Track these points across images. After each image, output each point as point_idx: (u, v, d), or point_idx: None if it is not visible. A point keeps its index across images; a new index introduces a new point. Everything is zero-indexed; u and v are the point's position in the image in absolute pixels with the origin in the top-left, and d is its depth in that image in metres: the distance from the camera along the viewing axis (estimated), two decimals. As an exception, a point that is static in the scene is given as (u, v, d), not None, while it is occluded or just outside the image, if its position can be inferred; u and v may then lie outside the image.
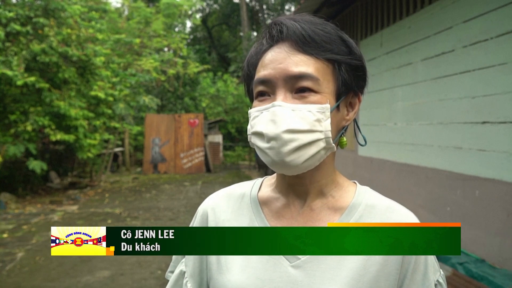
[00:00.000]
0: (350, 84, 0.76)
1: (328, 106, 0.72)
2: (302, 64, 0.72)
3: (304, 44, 0.72)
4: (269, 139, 0.70)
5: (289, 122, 0.69)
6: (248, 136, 0.77)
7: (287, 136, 0.69)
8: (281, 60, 0.72)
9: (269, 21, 0.80)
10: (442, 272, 0.78)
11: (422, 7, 4.11)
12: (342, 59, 0.74)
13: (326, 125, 0.72)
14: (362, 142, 0.83)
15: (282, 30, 0.73)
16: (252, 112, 0.75)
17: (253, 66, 0.78)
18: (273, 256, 0.76)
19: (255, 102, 0.76)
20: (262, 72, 0.74)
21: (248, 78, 0.81)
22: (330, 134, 0.72)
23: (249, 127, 0.76)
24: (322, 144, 0.72)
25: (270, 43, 0.75)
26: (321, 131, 0.71)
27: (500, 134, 3.06)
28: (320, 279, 0.72)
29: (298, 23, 0.73)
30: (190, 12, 19.75)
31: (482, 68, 3.25)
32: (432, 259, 0.77)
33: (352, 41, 0.77)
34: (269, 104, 0.72)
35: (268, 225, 0.80)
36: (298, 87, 0.72)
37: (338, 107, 0.75)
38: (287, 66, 0.71)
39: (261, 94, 0.75)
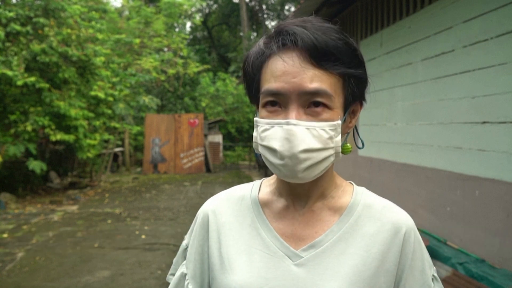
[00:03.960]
0: (357, 95, 0.78)
1: (339, 122, 0.73)
2: (317, 79, 0.70)
3: (317, 57, 0.70)
4: (284, 157, 0.70)
5: (305, 142, 0.69)
6: (254, 143, 0.77)
7: (302, 156, 0.69)
8: (294, 73, 0.70)
9: (271, 24, 0.80)
10: (435, 267, 0.82)
11: (422, 7, 4.11)
12: (352, 72, 0.74)
13: (337, 141, 0.73)
14: (361, 146, 0.85)
15: (296, 40, 0.70)
16: (262, 122, 0.74)
17: (257, 68, 0.76)
18: (276, 255, 0.78)
19: (264, 112, 0.74)
20: (273, 84, 0.71)
21: (250, 79, 0.78)
22: (340, 149, 0.74)
23: (256, 135, 0.76)
24: (332, 159, 0.73)
25: (279, 49, 0.73)
26: (332, 147, 0.72)
27: (500, 134, 3.06)
28: (323, 276, 0.74)
29: (310, 31, 0.70)
30: (190, 12, 19.74)
31: (482, 68, 3.25)
32: (427, 255, 0.81)
33: (356, 45, 0.76)
34: (283, 120, 0.70)
35: (270, 226, 0.81)
36: (311, 101, 0.71)
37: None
38: (302, 81, 0.69)
39: (272, 104, 0.73)
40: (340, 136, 0.73)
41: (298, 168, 0.70)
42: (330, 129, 0.71)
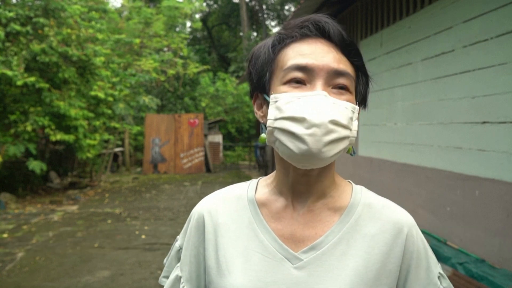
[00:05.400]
0: (363, 96, 0.79)
1: (357, 107, 0.74)
2: (343, 62, 0.73)
3: (344, 46, 0.74)
4: (312, 125, 0.67)
5: (335, 113, 0.68)
6: (270, 121, 0.72)
7: (331, 126, 0.67)
8: (324, 53, 0.72)
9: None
10: (440, 264, 0.81)
11: (422, 7, 4.11)
12: (364, 70, 0.78)
13: (355, 125, 0.73)
14: (353, 154, 0.84)
15: (325, 28, 0.74)
16: (284, 96, 0.71)
17: (277, 50, 0.76)
18: (275, 258, 0.75)
19: (286, 87, 0.73)
20: (302, 60, 0.72)
21: (268, 61, 0.77)
22: (355, 134, 0.72)
23: (274, 112, 0.72)
24: (347, 142, 0.72)
25: (307, 35, 0.74)
26: (351, 129, 0.72)
27: (500, 134, 3.06)
28: (324, 279, 0.72)
29: (335, 24, 0.75)
30: (190, 13, 19.74)
31: (482, 68, 3.25)
32: (431, 252, 0.80)
33: None
34: (311, 92, 0.70)
35: (268, 227, 0.78)
36: (337, 83, 0.72)
37: None
38: (331, 61, 0.72)
39: (296, 81, 0.72)
40: (357, 123, 0.73)
41: (325, 139, 0.67)
42: (351, 110, 0.72)
